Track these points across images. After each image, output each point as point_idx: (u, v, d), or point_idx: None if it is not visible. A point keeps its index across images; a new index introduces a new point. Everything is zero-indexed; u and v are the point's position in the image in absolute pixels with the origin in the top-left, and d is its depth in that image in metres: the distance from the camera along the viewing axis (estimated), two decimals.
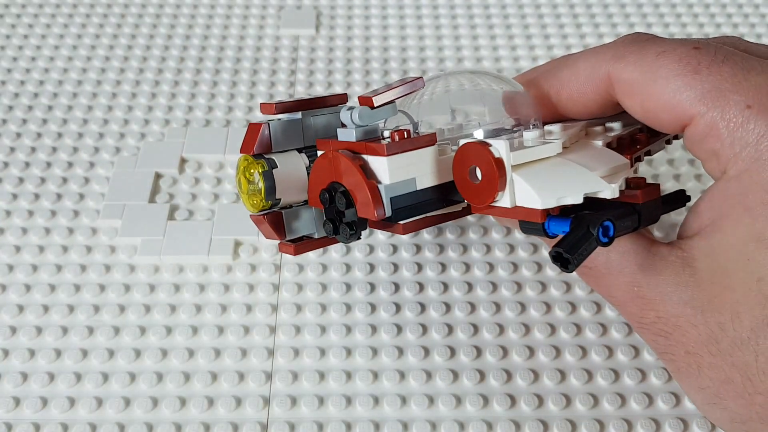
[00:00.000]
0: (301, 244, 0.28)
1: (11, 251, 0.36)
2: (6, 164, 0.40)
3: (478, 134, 0.26)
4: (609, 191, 0.24)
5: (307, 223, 0.29)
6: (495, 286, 0.34)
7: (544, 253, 0.36)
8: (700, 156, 0.25)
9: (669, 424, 0.29)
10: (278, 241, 0.29)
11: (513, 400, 0.30)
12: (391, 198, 0.25)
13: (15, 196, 0.38)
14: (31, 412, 0.30)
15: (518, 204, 0.24)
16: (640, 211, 0.25)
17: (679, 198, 0.28)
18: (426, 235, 0.36)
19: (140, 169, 0.39)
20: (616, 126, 0.28)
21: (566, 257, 0.23)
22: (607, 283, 0.27)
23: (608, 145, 0.27)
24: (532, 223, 0.24)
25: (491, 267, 0.35)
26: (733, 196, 0.23)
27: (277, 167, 0.27)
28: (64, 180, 0.39)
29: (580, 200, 0.23)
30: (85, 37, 0.48)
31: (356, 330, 0.32)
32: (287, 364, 0.31)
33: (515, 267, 0.35)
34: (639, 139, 0.28)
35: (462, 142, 0.25)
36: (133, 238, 0.36)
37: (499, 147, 0.23)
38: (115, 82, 0.45)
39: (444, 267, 0.35)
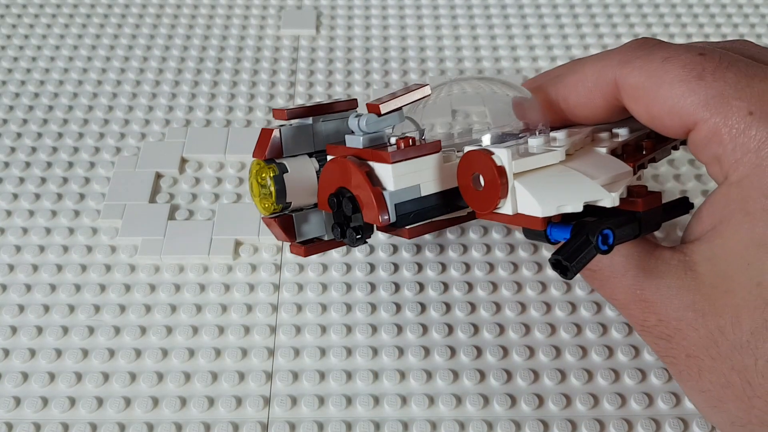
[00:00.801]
0: (312, 246, 0.29)
1: (12, 251, 0.36)
2: (7, 164, 0.40)
3: (486, 139, 0.27)
4: (609, 200, 0.24)
5: (316, 225, 0.29)
6: (495, 286, 0.34)
7: (545, 253, 0.36)
8: (704, 160, 0.25)
9: (669, 424, 0.29)
10: (289, 243, 0.29)
11: (513, 399, 0.30)
12: (395, 204, 0.25)
13: (16, 196, 0.38)
14: (32, 412, 0.30)
15: (519, 211, 0.24)
16: (640, 219, 0.25)
17: (682, 205, 0.28)
18: (426, 235, 0.36)
19: (141, 169, 0.39)
20: (623, 132, 0.29)
21: (565, 264, 0.23)
22: (610, 286, 0.27)
23: (613, 152, 0.27)
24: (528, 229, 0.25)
25: (491, 267, 0.35)
26: (734, 201, 0.23)
27: (288, 172, 0.27)
28: (65, 180, 0.39)
29: (579, 209, 0.24)
30: (86, 38, 0.48)
31: (356, 330, 0.32)
32: (287, 364, 0.31)
33: (515, 267, 0.35)
34: (644, 146, 0.28)
35: (467, 149, 0.25)
36: (134, 238, 0.36)
37: (502, 155, 0.24)
38: (115, 82, 0.45)
39: (444, 267, 0.35)
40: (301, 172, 0.28)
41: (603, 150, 0.27)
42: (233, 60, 0.46)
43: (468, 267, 0.35)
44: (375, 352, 0.32)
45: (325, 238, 0.30)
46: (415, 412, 0.30)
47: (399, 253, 0.36)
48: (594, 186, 0.24)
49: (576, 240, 0.24)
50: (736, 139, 0.23)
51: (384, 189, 0.25)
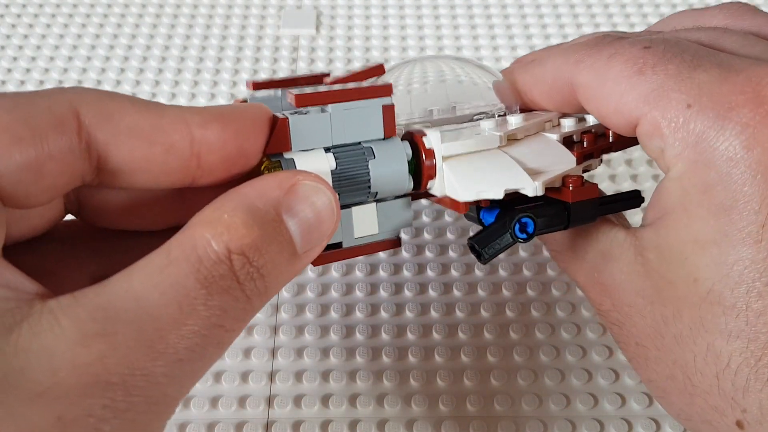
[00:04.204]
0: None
1: None
2: None
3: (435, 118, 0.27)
4: (531, 189, 0.24)
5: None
6: (496, 287, 0.34)
7: (545, 253, 0.36)
8: (651, 154, 0.25)
9: (669, 424, 0.29)
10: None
11: (513, 399, 0.30)
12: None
13: None
14: None
15: (446, 194, 0.25)
16: (569, 210, 0.25)
17: (633, 198, 0.27)
18: (426, 235, 0.36)
19: None
20: (591, 118, 0.28)
21: (477, 250, 0.24)
22: (573, 268, 0.27)
23: (568, 138, 0.27)
24: (470, 211, 0.25)
25: (492, 267, 0.35)
26: (674, 196, 0.23)
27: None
28: None
29: (500, 196, 0.24)
30: (85, 37, 0.48)
31: (356, 330, 0.33)
32: (288, 365, 0.31)
33: (516, 267, 0.35)
34: (606, 135, 0.28)
35: (406, 128, 0.25)
36: None
37: (432, 137, 0.24)
38: (115, 82, 0.45)
39: (445, 267, 0.35)
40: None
41: (554, 137, 0.26)
42: (233, 60, 0.46)
43: (469, 267, 0.35)
44: (375, 352, 0.32)
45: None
46: (416, 412, 0.30)
47: (399, 254, 0.36)
48: (519, 174, 0.24)
49: (494, 226, 0.24)
50: (675, 133, 0.23)
51: None
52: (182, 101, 0.43)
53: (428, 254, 0.35)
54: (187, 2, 0.51)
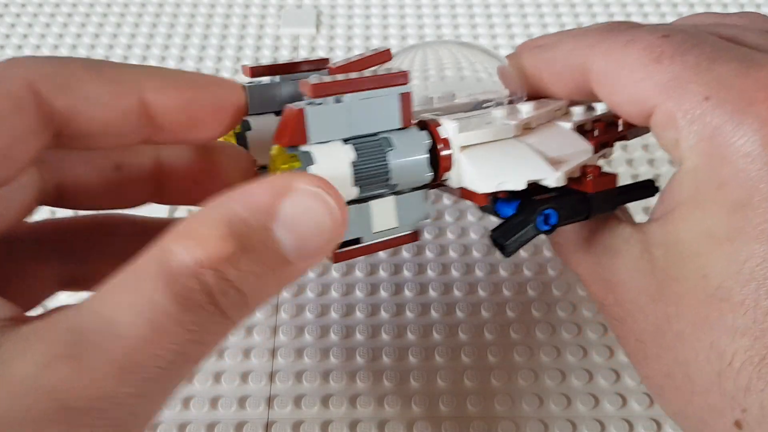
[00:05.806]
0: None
1: None
2: None
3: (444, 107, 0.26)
4: (553, 179, 0.23)
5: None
6: (496, 287, 0.34)
7: (546, 253, 0.36)
8: (664, 145, 0.24)
9: (670, 425, 0.29)
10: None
11: (513, 400, 0.30)
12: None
13: None
14: None
15: (463, 185, 0.24)
16: (590, 200, 0.24)
17: (647, 188, 0.27)
18: (427, 235, 0.36)
19: None
20: (600, 107, 0.27)
21: (500, 243, 0.23)
22: (575, 260, 0.27)
23: (581, 127, 0.26)
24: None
25: (492, 268, 0.35)
26: (687, 189, 0.23)
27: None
28: None
29: (522, 186, 0.23)
30: (85, 36, 0.48)
31: (357, 330, 0.32)
32: (288, 365, 0.31)
33: (516, 267, 0.35)
34: (618, 122, 0.27)
35: (420, 116, 0.24)
36: None
37: (448, 127, 0.23)
38: None
39: (445, 268, 0.35)
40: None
41: (568, 125, 0.26)
42: (233, 59, 0.46)
43: (469, 268, 0.35)
44: (375, 352, 0.32)
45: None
46: (416, 412, 0.30)
47: (399, 254, 0.36)
48: (540, 164, 0.23)
49: (516, 218, 0.24)
50: (690, 125, 0.22)
51: None
52: None
53: (428, 254, 0.35)
54: (187, 1, 0.51)
